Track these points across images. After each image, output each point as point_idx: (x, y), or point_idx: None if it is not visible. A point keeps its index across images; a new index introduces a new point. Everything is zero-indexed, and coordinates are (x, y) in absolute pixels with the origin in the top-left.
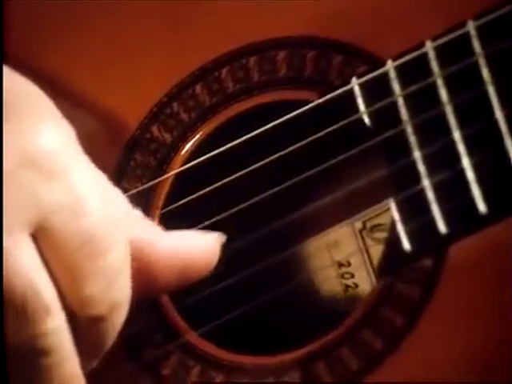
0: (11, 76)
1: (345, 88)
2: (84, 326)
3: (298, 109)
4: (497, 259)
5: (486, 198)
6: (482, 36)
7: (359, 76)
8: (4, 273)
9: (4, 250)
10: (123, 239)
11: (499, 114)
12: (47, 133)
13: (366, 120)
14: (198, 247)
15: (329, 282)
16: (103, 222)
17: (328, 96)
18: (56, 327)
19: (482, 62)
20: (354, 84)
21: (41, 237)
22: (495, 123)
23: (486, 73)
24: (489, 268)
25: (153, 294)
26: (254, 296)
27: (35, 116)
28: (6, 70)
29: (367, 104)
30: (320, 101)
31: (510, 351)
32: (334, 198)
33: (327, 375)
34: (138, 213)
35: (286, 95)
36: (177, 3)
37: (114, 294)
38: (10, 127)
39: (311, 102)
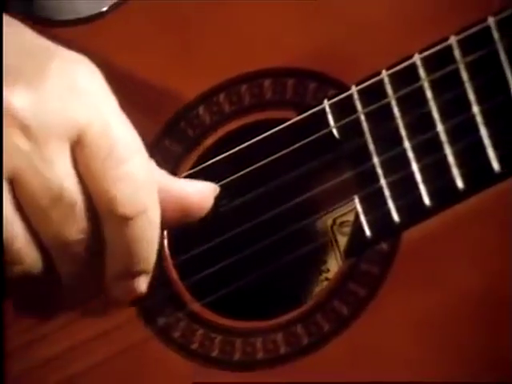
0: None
1: (318, 108)
2: (114, 227)
3: (281, 125)
4: (442, 240)
5: (431, 194)
6: (427, 65)
7: (329, 98)
8: (52, 176)
9: (50, 159)
10: (144, 154)
11: (440, 128)
12: (84, 72)
13: (335, 133)
14: (197, 193)
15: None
16: (124, 137)
17: (305, 114)
18: (80, 222)
19: (426, 85)
20: (326, 104)
21: (78, 149)
22: (438, 135)
23: (429, 93)
24: (435, 248)
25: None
26: (246, 273)
27: (70, 61)
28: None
29: (336, 120)
30: (298, 118)
31: (455, 316)
32: (310, 197)
33: (305, 336)
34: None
35: (271, 114)
36: (186, 39)
37: (139, 199)
38: (56, 65)
39: (291, 119)
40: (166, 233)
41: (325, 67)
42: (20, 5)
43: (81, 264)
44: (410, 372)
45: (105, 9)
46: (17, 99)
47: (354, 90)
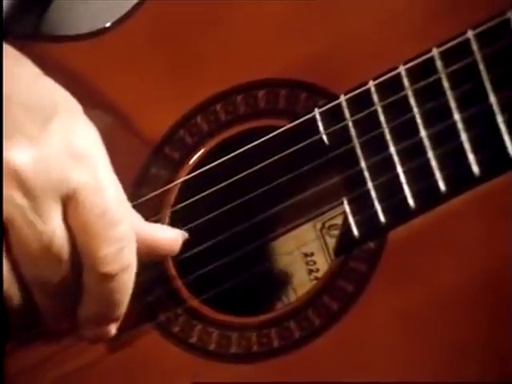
0: (47, 82)
1: (309, 116)
2: (96, 280)
3: (274, 131)
4: (426, 239)
5: (415, 196)
6: (411, 76)
7: (320, 107)
8: (43, 230)
9: (43, 214)
10: (130, 217)
11: (424, 134)
12: (82, 132)
13: (325, 139)
14: (167, 239)
15: (298, 268)
16: (116, 200)
17: (296, 122)
18: (63, 269)
19: (410, 94)
20: (316, 112)
21: (70, 207)
22: (421, 141)
23: (413, 102)
24: (420, 246)
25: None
26: (241, 272)
27: (71, 118)
28: (46, 78)
29: (326, 127)
30: (290, 125)
31: (439, 311)
32: (302, 200)
33: (297, 331)
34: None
35: (265, 122)
36: (184, 53)
37: (123, 258)
38: (58, 124)
39: (284, 126)
40: None
41: (315, 78)
42: (25, 22)
43: (58, 302)
44: (397, 364)
45: (108, 24)
46: (18, 154)
47: (342, 98)
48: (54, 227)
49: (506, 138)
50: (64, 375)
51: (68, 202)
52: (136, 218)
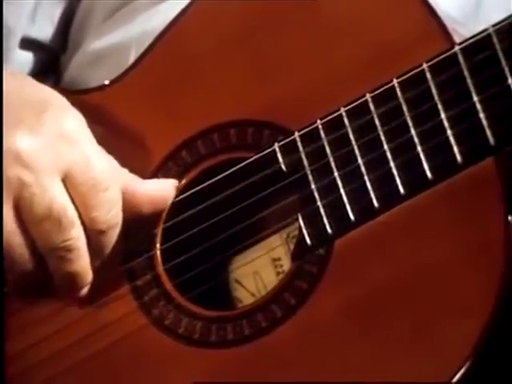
0: (36, 83)
1: (270, 149)
2: (93, 236)
3: (242, 162)
4: (364, 244)
5: (355, 212)
6: (350, 115)
7: (279, 141)
8: (45, 198)
9: (45, 186)
10: (117, 184)
11: (367, 178)
12: (70, 120)
13: (283, 167)
14: (160, 187)
15: (267, 269)
16: (103, 170)
17: (260, 154)
18: (77, 235)
19: (354, 138)
20: (276, 146)
21: (67, 181)
22: (359, 166)
23: (352, 137)
24: (360, 250)
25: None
26: (218, 274)
27: (61, 109)
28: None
29: (284, 157)
30: (256, 157)
31: (376, 302)
32: (268, 216)
33: (263, 321)
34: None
35: (236, 154)
36: (172, 100)
37: (111, 218)
38: (50, 115)
39: (250, 157)
40: (158, 248)
41: (275, 118)
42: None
43: (66, 259)
44: (343, 348)
45: (106, 82)
46: (20, 141)
47: (296, 135)
48: (54, 194)
49: (488, 131)
50: (58, 372)
51: (66, 177)
52: (130, 178)
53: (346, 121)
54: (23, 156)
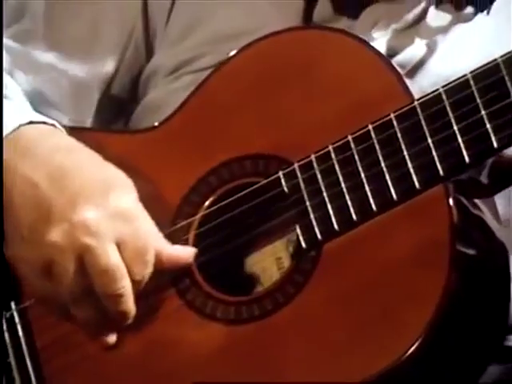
0: (106, 164)
1: (275, 176)
2: (135, 284)
3: (255, 185)
4: (350, 246)
5: (339, 223)
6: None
7: (283, 169)
8: (105, 258)
9: (105, 249)
10: (153, 248)
11: (348, 198)
12: (129, 199)
13: (286, 189)
14: (183, 253)
15: (272, 267)
16: (148, 241)
17: (268, 179)
18: (126, 284)
19: (336, 165)
20: (280, 173)
21: (120, 246)
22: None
23: (341, 174)
24: (345, 251)
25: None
26: (236, 268)
27: (123, 190)
28: (104, 161)
29: (286, 181)
30: (265, 181)
31: (360, 292)
32: (274, 226)
33: (270, 305)
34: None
35: (250, 180)
36: (200, 146)
37: (147, 273)
38: (112, 194)
39: (261, 182)
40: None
41: (280, 152)
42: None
43: (119, 302)
44: (333, 328)
45: (156, 124)
46: (88, 214)
47: (296, 165)
48: (111, 255)
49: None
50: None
51: (119, 243)
52: (161, 243)
53: (332, 155)
54: (90, 224)
